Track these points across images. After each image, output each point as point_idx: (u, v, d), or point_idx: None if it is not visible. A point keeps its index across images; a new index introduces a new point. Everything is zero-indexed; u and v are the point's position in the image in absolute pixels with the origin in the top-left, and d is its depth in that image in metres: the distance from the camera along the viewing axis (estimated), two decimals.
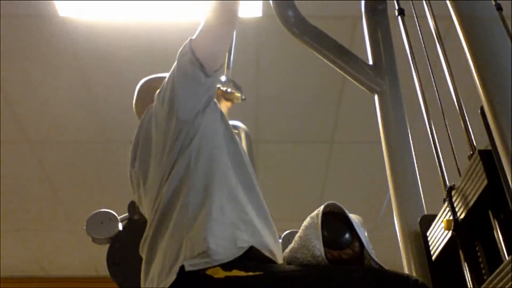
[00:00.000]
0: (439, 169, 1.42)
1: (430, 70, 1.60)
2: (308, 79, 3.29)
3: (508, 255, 1.05)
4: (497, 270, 1.04)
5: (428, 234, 1.47)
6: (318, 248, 1.12)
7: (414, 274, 1.53)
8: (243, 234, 1.21)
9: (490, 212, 1.19)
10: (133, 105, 1.59)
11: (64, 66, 3.16)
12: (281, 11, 2.03)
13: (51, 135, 3.59)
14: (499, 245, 1.10)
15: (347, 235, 1.15)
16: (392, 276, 1.08)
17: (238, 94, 1.80)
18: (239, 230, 1.21)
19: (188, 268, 1.13)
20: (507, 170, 0.97)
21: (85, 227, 1.89)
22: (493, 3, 1.22)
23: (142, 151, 1.41)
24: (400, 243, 1.64)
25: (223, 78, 1.82)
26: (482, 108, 1.09)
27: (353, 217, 1.18)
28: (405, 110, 1.90)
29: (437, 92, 1.54)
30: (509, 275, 0.99)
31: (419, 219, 1.55)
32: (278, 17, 2.04)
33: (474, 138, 1.29)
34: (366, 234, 1.18)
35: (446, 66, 1.45)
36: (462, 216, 1.27)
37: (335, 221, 1.17)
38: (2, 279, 4.86)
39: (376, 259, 1.14)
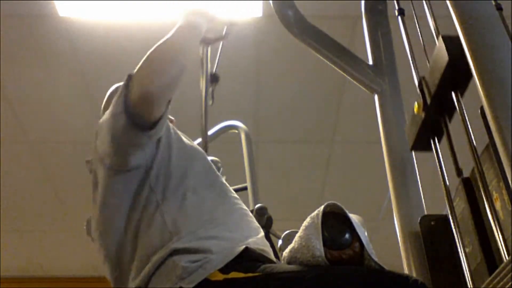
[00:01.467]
0: (439, 170, 1.41)
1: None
2: (308, 79, 3.29)
3: (508, 255, 1.05)
4: (497, 270, 1.04)
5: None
6: (318, 248, 1.12)
7: (414, 274, 1.53)
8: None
9: (453, 93, 1.30)
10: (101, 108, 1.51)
11: (64, 66, 3.16)
12: (281, 11, 2.03)
13: (51, 135, 3.59)
14: (499, 245, 1.10)
15: (347, 235, 1.15)
16: (392, 276, 1.08)
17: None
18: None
19: None
20: (507, 171, 0.97)
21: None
22: (493, 3, 1.22)
23: None
24: (400, 243, 1.64)
25: None
26: (482, 108, 1.08)
27: (353, 217, 1.18)
28: (405, 110, 1.90)
29: None
30: (509, 275, 0.99)
31: (419, 219, 1.55)
32: (278, 17, 2.04)
33: (474, 138, 1.29)
34: (366, 234, 1.18)
35: None
36: (429, 100, 1.38)
37: (335, 221, 1.17)
38: (2, 279, 4.86)
39: (376, 259, 1.14)
